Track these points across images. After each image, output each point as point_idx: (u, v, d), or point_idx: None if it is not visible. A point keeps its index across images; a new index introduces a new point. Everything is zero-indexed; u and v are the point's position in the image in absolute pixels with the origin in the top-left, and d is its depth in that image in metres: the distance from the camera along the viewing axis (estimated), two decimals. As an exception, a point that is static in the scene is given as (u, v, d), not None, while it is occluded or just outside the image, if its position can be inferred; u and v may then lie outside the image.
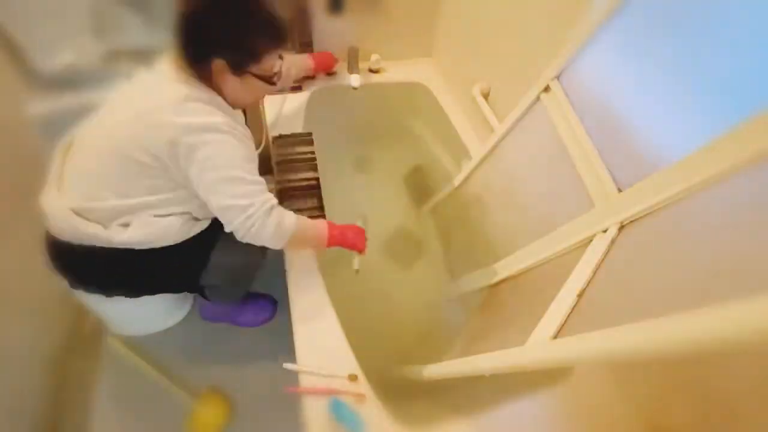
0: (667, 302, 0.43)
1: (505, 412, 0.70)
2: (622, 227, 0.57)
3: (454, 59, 1.32)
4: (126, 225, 0.72)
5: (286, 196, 1.02)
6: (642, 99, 0.59)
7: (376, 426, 0.66)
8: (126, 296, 0.83)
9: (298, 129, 1.17)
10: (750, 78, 0.45)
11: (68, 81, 1.00)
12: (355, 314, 0.81)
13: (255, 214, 0.70)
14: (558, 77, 0.75)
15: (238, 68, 0.68)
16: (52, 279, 0.82)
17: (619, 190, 0.61)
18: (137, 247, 0.73)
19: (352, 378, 0.72)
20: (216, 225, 0.77)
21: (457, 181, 1.14)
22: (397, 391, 0.81)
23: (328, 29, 1.25)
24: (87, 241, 0.72)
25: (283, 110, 1.20)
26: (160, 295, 0.91)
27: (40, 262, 0.84)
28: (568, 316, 0.55)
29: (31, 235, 0.91)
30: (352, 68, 1.26)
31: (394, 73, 1.40)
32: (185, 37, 0.65)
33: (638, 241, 0.54)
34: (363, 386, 0.71)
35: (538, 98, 0.79)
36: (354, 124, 1.47)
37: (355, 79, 1.24)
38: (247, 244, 0.78)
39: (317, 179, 1.06)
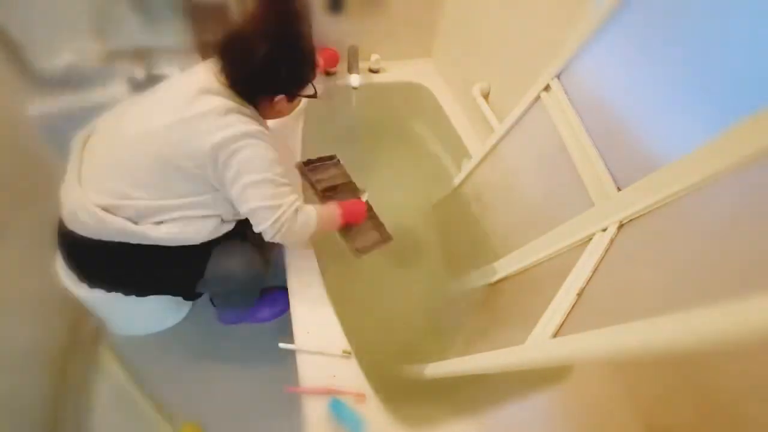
0: (667, 301, 0.43)
1: (505, 412, 0.70)
2: (621, 226, 0.57)
3: (454, 59, 1.33)
4: (159, 223, 0.73)
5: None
6: (642, 99, 0.59)
7: (376, 426, 0.66)
8: (125, 293, 0.83)
9: (298, 129, 1.17)
10: (750, 78, 0.45)
11: (68, 81, 1.01)
12: (355, 314, 0.81)
13: (283, 216, 0.73)
14: (558, 76, 0.75)
15: (294, 96, 0.79)
16: (52, 279, 0.82)
17: (619, 189, 0.61)
18: (166, 244, 0.75)
19: (346, 353, 0.74)
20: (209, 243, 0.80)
21: (457, 181, 1.14)
22: (397, 391, 0.81)
23: (328, 29, 1.25)
24: (111, 237, 0.72)
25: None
26: (159, 296, 0.91)
27: (40, 262, 0.84)
28: (568, 314, 0.55)
29: (30, 235, 0.91)
30: (352, 68, 1.26)
31: (394, 73, 1.40)
32: (251, 78, 0.71)
33: (637, 240, 0.54)
34: (363, 386, 0.71)
35: (538, 97, 0.79)
36: (354, 124, 1.47)
37: (355, 79, 1.24)
38: (246, 258, 0.84)
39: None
